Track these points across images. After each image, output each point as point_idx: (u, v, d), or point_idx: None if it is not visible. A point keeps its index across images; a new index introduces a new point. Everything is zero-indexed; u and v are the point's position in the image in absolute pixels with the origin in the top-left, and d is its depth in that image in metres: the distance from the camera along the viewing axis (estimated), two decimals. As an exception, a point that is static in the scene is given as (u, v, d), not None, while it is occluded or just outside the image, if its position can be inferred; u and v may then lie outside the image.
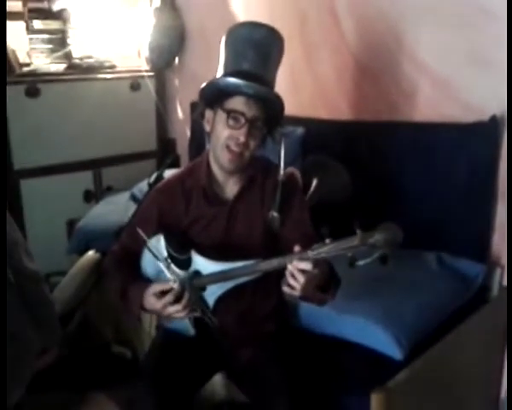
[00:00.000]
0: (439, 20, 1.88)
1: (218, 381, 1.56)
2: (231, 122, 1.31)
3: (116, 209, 2.55)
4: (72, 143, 2.78)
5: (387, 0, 2.01)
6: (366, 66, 2.14)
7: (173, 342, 1.41)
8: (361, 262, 1.02)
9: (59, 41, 2.86)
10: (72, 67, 2.84)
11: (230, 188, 1.44)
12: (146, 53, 2.97)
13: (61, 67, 2.84)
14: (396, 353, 1.38)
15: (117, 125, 2.94)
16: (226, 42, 1.39)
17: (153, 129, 3.16)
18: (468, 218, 1.78)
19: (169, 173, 2.27)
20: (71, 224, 2.69)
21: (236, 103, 1.31)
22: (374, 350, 1.42)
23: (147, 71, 3.02)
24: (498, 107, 1.72)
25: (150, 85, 3.01)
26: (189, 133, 3.08)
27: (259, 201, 1.44)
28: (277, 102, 1.34)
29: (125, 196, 2.68)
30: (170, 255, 1.36)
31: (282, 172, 1.39)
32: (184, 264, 1.33)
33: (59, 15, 2.87)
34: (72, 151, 2.80)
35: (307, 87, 2.31)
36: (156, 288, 1.31)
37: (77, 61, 2.87)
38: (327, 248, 1.08)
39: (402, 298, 1.52)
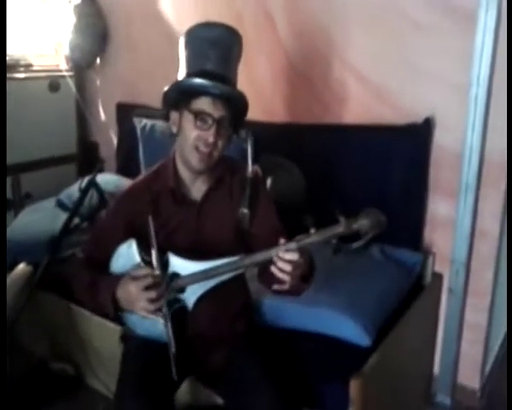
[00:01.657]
0: (369, 27, 2.04)
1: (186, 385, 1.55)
2: (199, 123, 1.32)
3: (43, 218, 2.39)
4: (-15, 147, 2.54)
5: (321, 5, 2.13)
6: (301, 69, 2.24)
7: (147, 348, 1.37)
8: (355, 245, 1.08)
9: (-36, 36, 2.60)
10: (-18, 65, 2.60)
11: (198, 188, 1.44)
12: (66, 51, 2.80)
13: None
14: (365, 340, 1.47)
15: (35, 128, 2.74)
16: (186, 42, 1.38)
17: (73, 132, 2.99)
18: (404, 212, 1.94)
19: (102, 178, 2.21)
20: (-10, 236, 2.45)
21: (203, 104, 1.31)
22: (341, 339, 1.51)
23: (67, 70, 2.86)
24: (427, 110, 1.92)
25: (71, 85, 2.85)
26: (113, 136, 2.97)
27: (228, 198, 1.46)
28: (242, 101, 1.38)
29: (50, 203, 2.52)
30: (144, 260, 1.33)
31: (250, 168, 1.42)
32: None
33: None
34: (-15, 157, 2.56)
35: (244, 90, 2.35)
36: (136, 271, 1.29)
37: (-14, 58, 2.63)
38: (312, 238, 1.12)
39: (359, 288, 1.63)
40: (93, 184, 2.05)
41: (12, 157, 2.64)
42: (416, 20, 1.91)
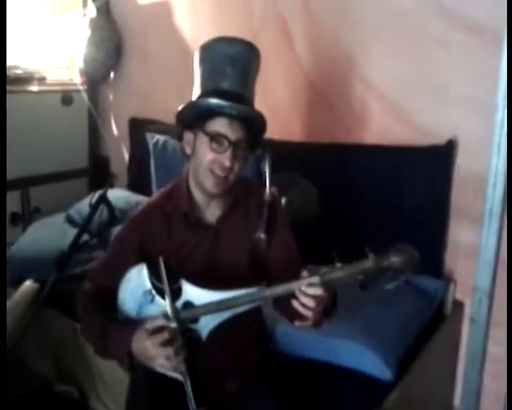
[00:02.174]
0: (391, 45, 1.98)
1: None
2: (214, 146, 1.25)
3: (51, 233, 2.34)
4: (-4, 160, 2.51)
5: (341, 25, 2.08)
6: (320, 88, 2.19)
7: (157, 382, 1.29)
8: (388, 286, 1.02)
9: (-21, 48, 2.58)
10: (-4, 78, 2.58)
11: (212, 211, 1.37)
12: (80, 65, 2.78)
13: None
14: (385, 374, 1.40)
15: (46, 141, 2.72)
16: (201, 59, 1.32)
17: (85, 146, 2.96)
18: (425, 237, 1.86)
19: (113, 194, 2.16)
20: (-2, 250, 2.41)
21: (219, 125, 1.24)
22: (360, 372, 1.43)
23: (80, 84, 2.83)
24: (449, 131, 1.85)
25: (84, 99, 2.82)
26: (125, 151, 2.94)
27: (244, 222, 1.38)
28: (260, 121, 1.31)
29: (60, 218, 2.47)
30: (155, 287, 1.26)
31: (268, 191, 1.35)
32: (173, 295, 1.23)
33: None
34: (-5, 169, 2.53)
35: (260, 109, 2.30)
36: (152, 324, 1.19)
37: (1, 70, 2.61)
38: (338, 273, 1.06)
39: (379, 317, 1.56)
40: (103, 199, 2.00)
41: (21, 170, 2.63)
42: (438, 39, 1.85)
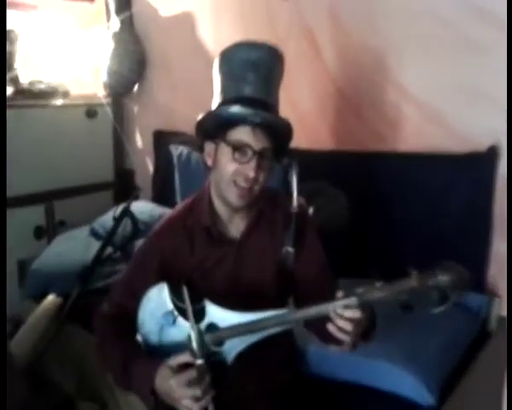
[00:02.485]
0: (425, 49, 1.89)
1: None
2: (238, 156, 1.17)
3: (75, 247, 2.31)
4: (21, 174, 2.49)
5: (370, 28, 2.00)
6: (349, 95, 2.10)
7: None
8: (436, 310, 0.92)
9: (4, 64, 2.59)
10: (20, 93, 2.59)
11: (236, 225, 1.29)
12: (104, 78, 2.77)
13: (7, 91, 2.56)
14: (427, 399, 1.29)
15: (71, 154, 2.70)
16: (221, 66, 1.24)
17: (109, 159, 2.94)
18: (465, 250, 1.73)
19: (137, 206, 2.11)
20: (22, 264, 2.39)
21: (242, 134, 1.17)
22: (400, 396, 1.32)
23: (104, 97, 2.82)
24: (490, 137, 1.73)
25: (108, 113, 2.80)
26: (150, 164, 2.90)
27: (269, 236, 1.30)
28: (286, 129, 1.23)
29: (84, 231, 2.44)
30: (176, 307, 1.17)
31: (295, 202, 1.27)
32: (196, 316, 1.14)
33: (4, 36, 2.61)
34: (20, 184, 2.51)
35: (286, 116, 2.23)
36: (176, 360, 1.10)
37: (26, 85, 2.62)
38: (378, 293, 0.97)
39: (419, 337, 1.45)
40: (127, 212, 1.96)
41: (46, 184, 2.62)
42: (474, 39, 1.75)
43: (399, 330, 1.46)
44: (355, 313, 0.98)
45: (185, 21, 2.66)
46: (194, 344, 1.10)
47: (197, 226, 1.28)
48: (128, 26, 2.80)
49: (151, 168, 2.88)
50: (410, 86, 1.92)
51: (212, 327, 1.13)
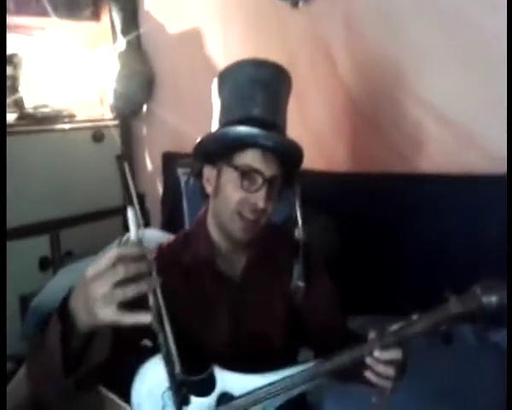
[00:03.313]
0: (449, 59, 1.70)
1: None
2: (246, 183, 1.03)
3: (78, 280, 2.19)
4: (25, 203, 2.40)
5: (389, 40, 1.83)
6: (367, 112, 1.92)
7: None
8: (493, 337, 0.89)
9: (9, 88, 2.52)
10: (25, 118, 2.51)
11: (238, 261, 1.14)
12: (110, 100, 2.67)
13: (11, 117, 2.49)
14: None
15: (77, 180, 2.60)
16: (224, 84, 1.12)
17: (118, 183, 2.81)
18: (503, 279, 1.55)
19: (143, 234, 1.98)
20: (25, 300, 2.28)
21: (251, 159, 1.03)
22: None
23: (111, 120, 2.71)
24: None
25: (115, 135, 2.69)
26: (159, 187, 2.78)
27: (275, 270, 1.16)
28: (297, 153, 1.09)
29: (90, 263, 2.30)
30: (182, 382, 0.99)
31: (301, 231, 1.10)
32: (204, 387, 0.96)
33: (9, 60, 2.54)
34: (24, 212, 2.42)
35: (300, 136, 2.07)
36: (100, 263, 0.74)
37: (30, 110, 2.53)
38: (418, 326, 0.86)
39: (450, 387, 1.26)
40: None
41: (51, 212, 2.51)
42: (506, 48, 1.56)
43: (425, 378, 1.28)
44: (394, 354, 0.88)
45: (193, 38, 2.53)
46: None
47: (194, 264, 1.12)
48: (135, 45, 2.70)
49: (161, 191, 2.76)
50: (436, 102, 1.73)
51: (225, 397, 0.96)
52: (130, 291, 0.70)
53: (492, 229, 1.58)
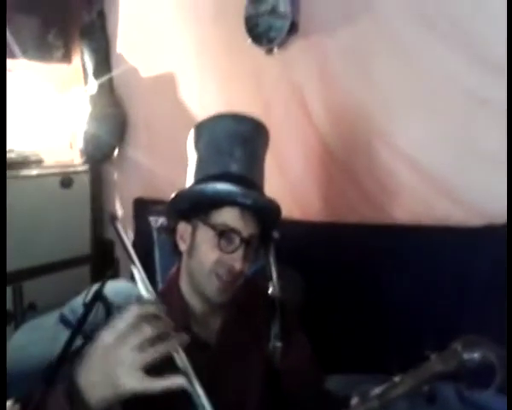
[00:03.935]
0: (422, 106, 1.68)
1: None
2: (223, 243, 0.99)
3: (42, 338, 2.04)
4: (-14, 253, 2.27)
5: (362, 87, 1.81)
6: (343, 161, 1.89)
7: None
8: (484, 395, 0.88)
9: (-29, 133, 2.42)
10: (-11, 163, 2.40)
11: (213, 323, 1.08)
12: (80, 144, 2.59)
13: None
14: None
15: (43, 228, 2.50)
16: (201, 137, 1.09)
17: (87, 230, 2.72)
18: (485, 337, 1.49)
19: (112, 286, 1.87)
20: (-19, 359, 2.12)
21: (229, 217, 1.00)
22: None
23: (81, 164, 2.63)
24: (504, 208, 1.51)
25: (85, 180, 2.61)
26: (131, 234, 2.67)
27: (251, 331, 1.09)
28: (276, 212, 1.07)
29: (53, 317, 2.18)
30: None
31: (277, 289, 1.01)
32: None
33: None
34: (-15, 263, 2.28)
35: (276, 186, 2.01)
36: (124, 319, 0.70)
37: (-6, 155, 2.43)
38: (401, 388, 0.82)
39: None
40: (99, 296, 1.72)
41: (14, 263, 2.37)
42: (483, 96, 1.55)
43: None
44: None
45: (167, 82, 2.50)
46: None
47: None
48: (107, 88, 2.65)
49: (133, 238, 2.66)
50: (406, 147, 1.71)
51: None
52: (161, 350, 0.68)
53: (471, 281, 1.53)
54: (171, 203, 1.06)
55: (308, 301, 1.71)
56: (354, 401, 0.85)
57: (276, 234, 1.08)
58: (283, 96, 2.04)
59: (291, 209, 2.00)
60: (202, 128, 1.09)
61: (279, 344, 0.98)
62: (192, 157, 1.09)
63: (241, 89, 2.19)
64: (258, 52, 2.07)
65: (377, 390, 0.84)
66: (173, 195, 1.05)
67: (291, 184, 2.01)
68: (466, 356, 0.81)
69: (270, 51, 2.05)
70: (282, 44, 1.99)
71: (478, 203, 1.57)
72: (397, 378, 0.83)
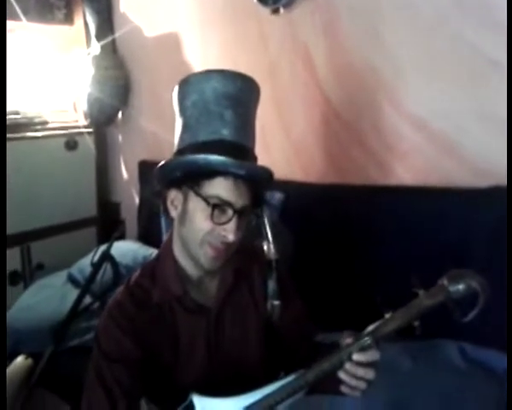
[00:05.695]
0: (431, 67, 1.66)
1: None
2: (216, 215, 0.96)
3: (50, 297, 2.09)
4: (-6, 214, 2.29)
5: (372, 48, 1.78)
6: (349, 122, 1.88)
7: None
8: (467, 318, 0.82)
9: (-25, 94, 2.41)
10: (-6, 125, 2.39)
11: (210, 287, 1.09)
12: (84, 107, 2.57)
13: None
14: None
15: (49, 190, 2.51)
16: (187, 95, 1.01)
17: (92, 192, 2.73)
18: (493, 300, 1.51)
19: (119, 247, 1.90)
20: (-8, 317, 2.17)
21: (221, 189, 0.96)
22: None
23: (85, 127, 2.62)
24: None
25: (89, 143, 2.60)
26: (136, 196, 2.69)
27: (249, 295, 1.12)
28: (268, 179, 1.03)
29: (61, 277, 2.23)
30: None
31: (272, 250, 1.01)
32: None
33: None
34: (-7, 225, 2.31)
35: (280, 147, 2.02)
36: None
37: (-1, 117, 2.42)
38: (391, 324, 0.86)
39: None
40: (107, 256, 1.75)
41: (22, 224, 2.41)
42: (492, 58, 1.53)
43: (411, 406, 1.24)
44: (373, 355, 0.87)
45: (172, 42, 2.47)
46: None
47: (164, 299, 1.05)
48: (110, 49, 2.62)
49: (137, 200, 2.67)
50: (419, 112, 1.69)
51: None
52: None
53: (475, 243, 1.54)
54: (161, 170, 1.01)
55: (299, 255, 1.72)
56: (347, 340, 0.89)
57: (270, 196, 1.07)
58: (289, 57, 2.02)
59: (295, 171, 2.01)
60: (189, 85, 1.01)
61: (277, 303, 0.99)
62: (179, 115, 1.04)
63: (247, 49, 2.16)
64: (263, 12, 2.04)
65: (370, 328, 0.89)
66: (161, 163, 1.00)
67: (296, 144, 2.01)
68: (452, 288, 0.84)
69: (275, 11, 2.01)
70: (287, 4, 1.96)
71: (484, 164, 1.57)
72: (387, 315, 0.87)
